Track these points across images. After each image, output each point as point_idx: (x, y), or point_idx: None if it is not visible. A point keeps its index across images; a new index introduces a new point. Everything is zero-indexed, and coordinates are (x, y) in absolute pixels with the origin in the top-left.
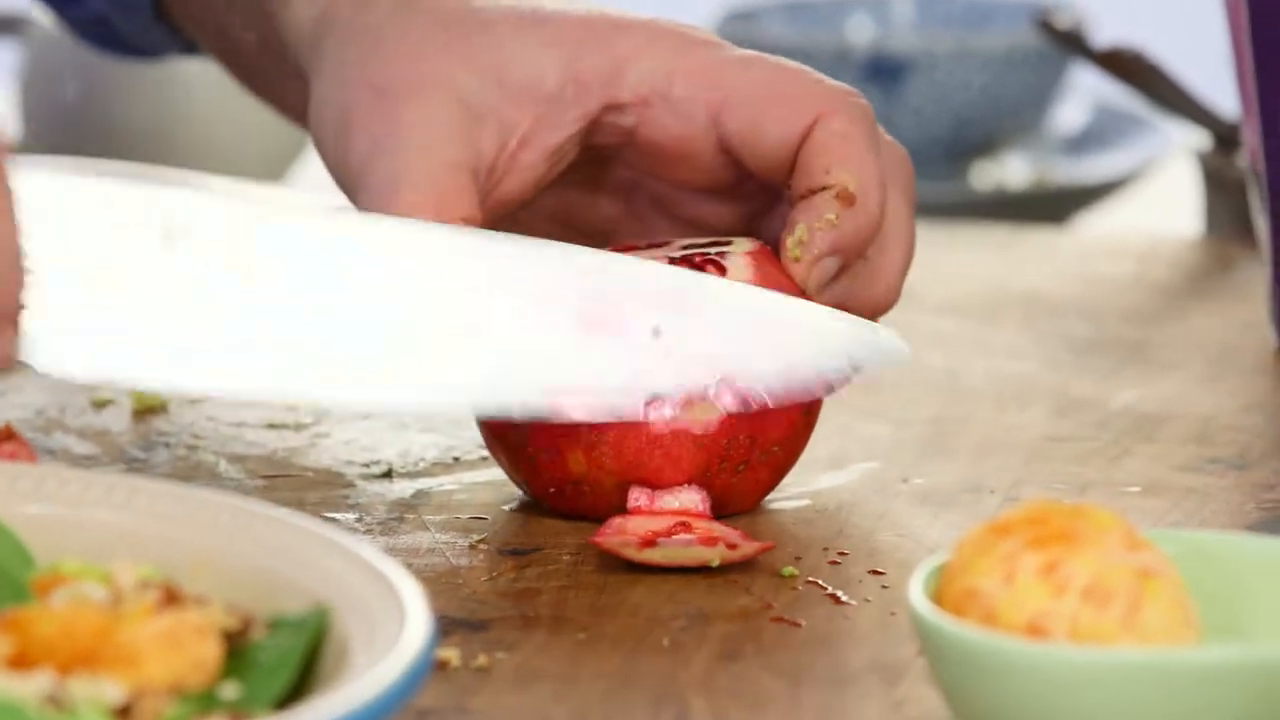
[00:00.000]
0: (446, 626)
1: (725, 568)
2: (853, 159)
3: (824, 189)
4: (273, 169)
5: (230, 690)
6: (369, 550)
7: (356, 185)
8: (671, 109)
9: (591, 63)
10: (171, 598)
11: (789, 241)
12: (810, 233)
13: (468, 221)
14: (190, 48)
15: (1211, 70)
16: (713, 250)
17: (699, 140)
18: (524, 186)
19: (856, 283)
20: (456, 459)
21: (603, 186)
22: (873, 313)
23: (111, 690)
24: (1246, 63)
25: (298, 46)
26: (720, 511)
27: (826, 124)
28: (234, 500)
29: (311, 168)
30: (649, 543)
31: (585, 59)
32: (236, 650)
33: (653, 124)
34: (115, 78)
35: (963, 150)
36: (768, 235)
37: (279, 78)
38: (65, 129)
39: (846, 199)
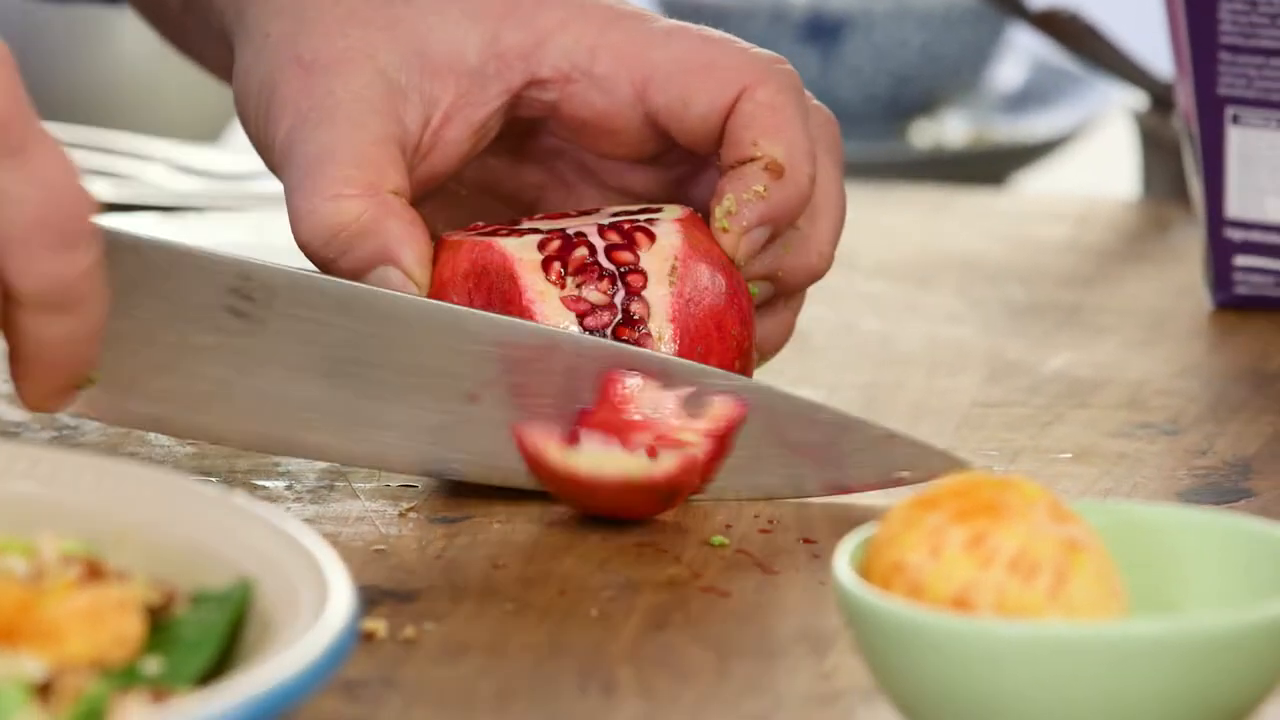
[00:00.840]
0: (375, 597)
1: (654, 536)
2: (781, 130)
3: (752, 160)
4: (208, 129)
5: (152, 665)
6: (292, 523)
7: (283, 159)
8: (595, 85)
9: (513, 38)
10: (94, 572)
11: (717, 213)
12: (739, 204)
13: (398, 194)
14: None
15: (1150, 31)
16: (642, 218)
17: (624, 115)
18: (448, 162)
19: (788, 251)
20: None
21: (527, 156)
22: (806, 280)
23: (32, 666)
24: (1179, 22)
25: (222, 11)
26: None
27: (752, 95)
28: (158, 473)
29: None
30: (573, 440)
31: (506, 34)
32: (159, 625)
33: (575, 100)
34: (51, 37)
35: (902, 109)
36: (696, 200)
37: (201, 38)
38: None
39: (775, 171)
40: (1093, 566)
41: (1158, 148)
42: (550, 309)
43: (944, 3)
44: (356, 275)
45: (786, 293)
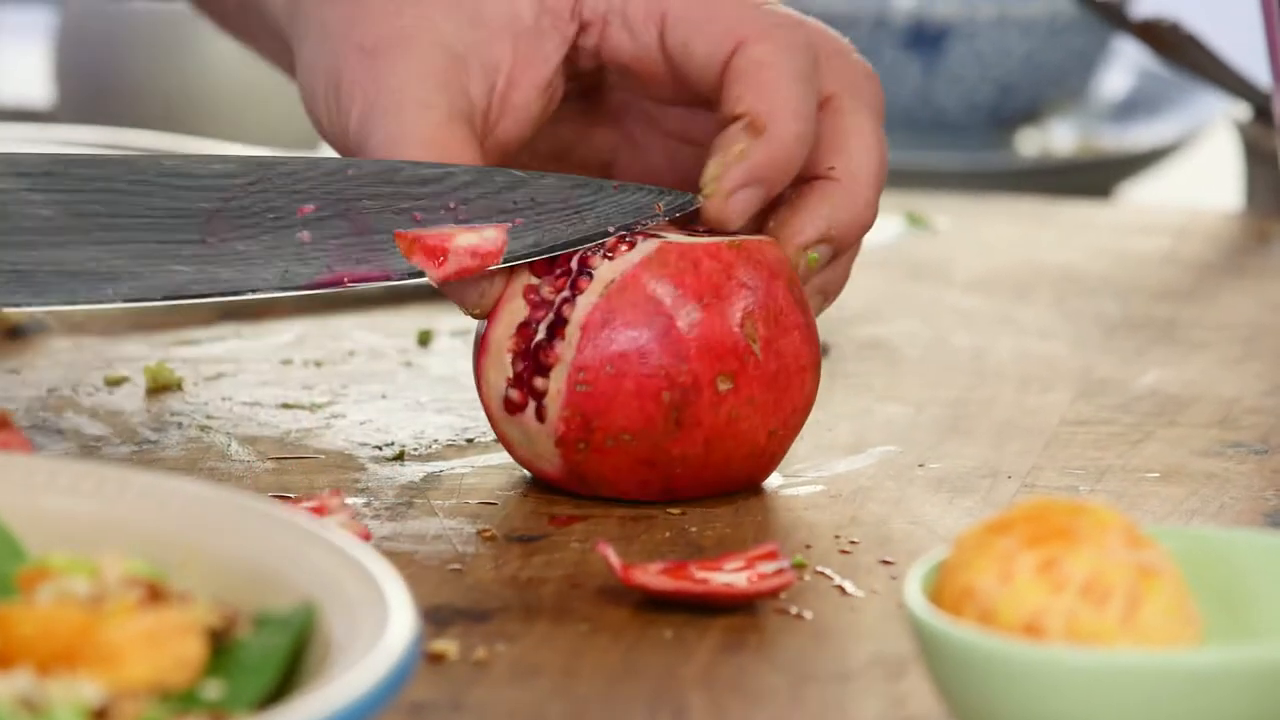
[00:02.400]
0: (448, 617)
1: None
2: (766, 86)
3: (736, 119)
4: (306, 136)
5: (213, 689)
6: (357, 545)
7: (356, 149)
8: (625, 27)
9: None
10: (155, 595)
11: (703, 178)
12: (723, 167)
13: None
14: None
15: (1252, 42)
16: (670, 234)
17: (652, 58)
18: (520, 126)
19: (832, 209)
20: (470, 440)
21: (594, 116)
22: (857, 234)
23: (89, 690)
24: (1276, 34)
25: (276, 8)
26: (588, 491)
27: (745, 51)
28: (224, 493)
29: None
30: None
31: None
32: (221, 648)
33: (611, 43)
34: (148, 44)
35: (1006, 118)
36: None
37: (260, 34)
38: (97, 94)
39: (756, 128)
40: (1166, 592)
41: (1260, 159)
42: (511, 291)
43: (1048, 11)
44: None
45: (841, 249)
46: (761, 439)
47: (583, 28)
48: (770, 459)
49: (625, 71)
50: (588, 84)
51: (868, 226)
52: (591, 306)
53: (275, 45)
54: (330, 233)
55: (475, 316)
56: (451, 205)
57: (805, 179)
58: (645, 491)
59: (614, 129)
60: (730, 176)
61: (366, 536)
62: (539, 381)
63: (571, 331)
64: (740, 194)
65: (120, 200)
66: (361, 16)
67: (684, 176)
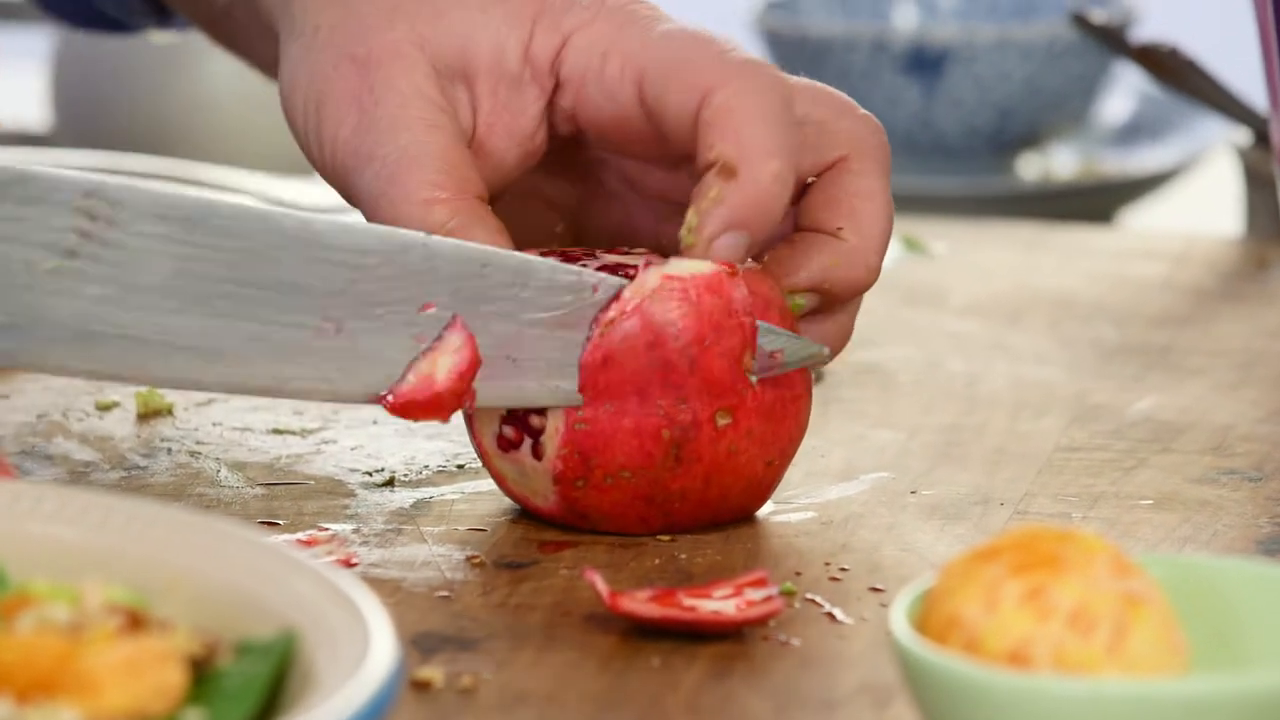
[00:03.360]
0: (435, 644)
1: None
2: (732, 130)
3: (710, 166)
4: (301, 162)
5: (193, 717)
6: (339, 573)
7: (351, 160)
8: (603, 89)
9: (543, 41)
10: (135, 623)
11: (682, 231)
12: (700, 215)
13: (482, 199)
14: (165, 17)
15: (1251, 67)
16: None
17: (632, 118)
18: (494, 174)
19: (832, 266)
20: (460, 467)
21: (567, 164)
22: (852, 292)
23: (67, 718)
24: (1273, 61)
25: (270, 3)
26: (587, 525)
27: (712, 98)
28: (207, 520)
29: None
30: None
31: (539, 37)
32: (202, 676)
33: (588, 106)
34: (145, 68)
35: (1007, 142)
36: None
37: (248, 32)
38: (95, 118)
39: (727, 172)
40: (1153, 621)
41: (1260, 184)
42: None
43: (1048, 35)
44: None
45: (835, 303)
46: (759, 470)
47: (559, 85)
48: (766, 488)
49: (604, 134)
50: (561, 139)
51: (864, 288)
52: (591, 345)
53: (263, 44)
54: (441, 343)
55: None
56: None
57: (811, 230)
58: (645, 526)
59: (584, 180)
60: (708, 223)
61: (350, 564)
62: (535, 419)
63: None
64: (722, 240)
65: (247, 264)
66: (354, 24)
67: (671, 238)
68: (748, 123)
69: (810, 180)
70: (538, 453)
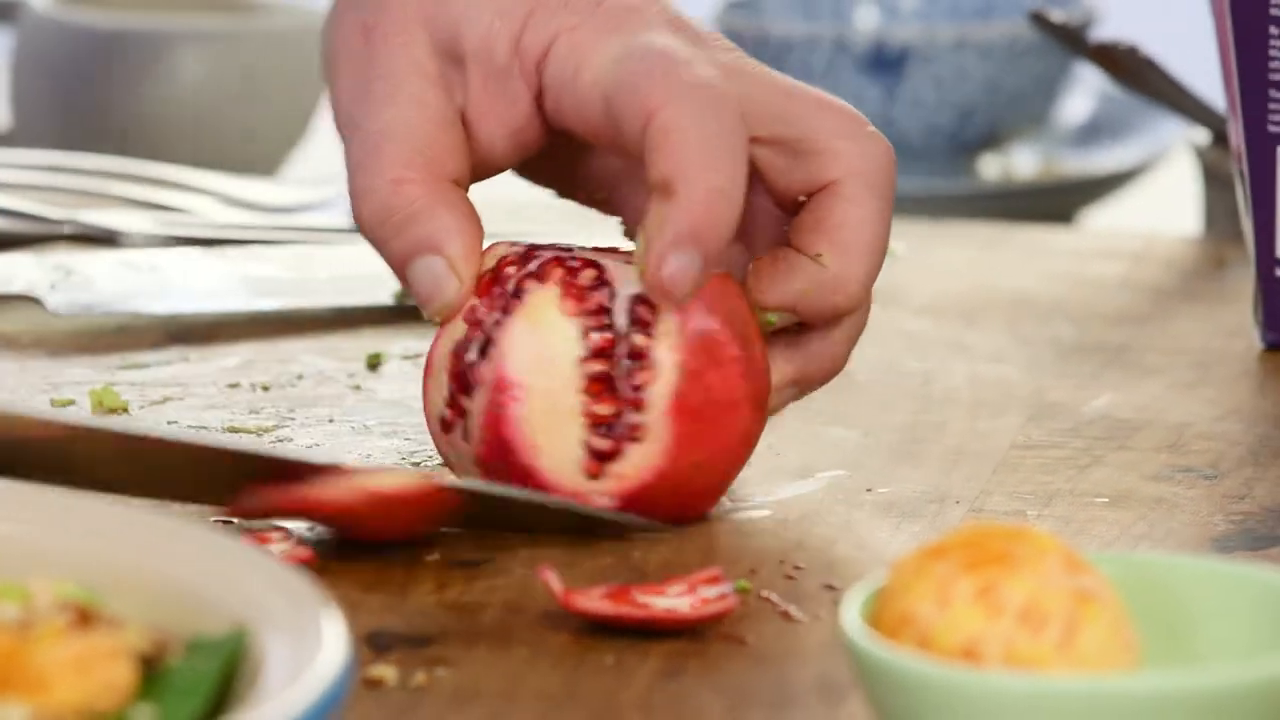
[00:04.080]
0: (388, 642)
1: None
2: (671, 149)
3: (652, 186)
4: (268, 162)
5: (143, 714)
6: (289, 570)
7: (346, 128)
8: (575, 101)
9: (531, 39)
10: (85, 619)
11: (634, 257)
12: (646, 240)
13: (457, 182)
14: None
15: (1209, 66)
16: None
17: (607, 133)
18: (484, 163)
19: (810, 289)
20: (416, 464)
21: (581, 179)
22: (830, 316)
23: (16, 715)
24: (1230, 62)
25: None
26: None
27: (654, 120)
28: (158, 517)
29: (307, 163)
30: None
31: (527, 35)
32: (152, 673)
33: (567, 116)
34: (106, 66)
35: (967, 143)
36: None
37: None
38: (55, 118)
39: (664, 191)
40: (1105, 618)
41: (1219, 184)
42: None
43: (1007, 36)
44: (404, 261)
45: (814, 326)
46: (684, 471)
47: (543, 87)
48: (699, 493)
49: (588, 140)
50: (571, 149)
51: (844, 314)
52: (514, 330)
53: None
54: None
55: (435, 322)
56: None
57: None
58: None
59: (615, 160)
60: (654, 247)
61: (311, 561)
62: (465, 401)
63: (495, 353)
64: (671, 261)
65: None
66: None
67: None
68: (685, 142)
69: (802, 199)
70: (467, 436)
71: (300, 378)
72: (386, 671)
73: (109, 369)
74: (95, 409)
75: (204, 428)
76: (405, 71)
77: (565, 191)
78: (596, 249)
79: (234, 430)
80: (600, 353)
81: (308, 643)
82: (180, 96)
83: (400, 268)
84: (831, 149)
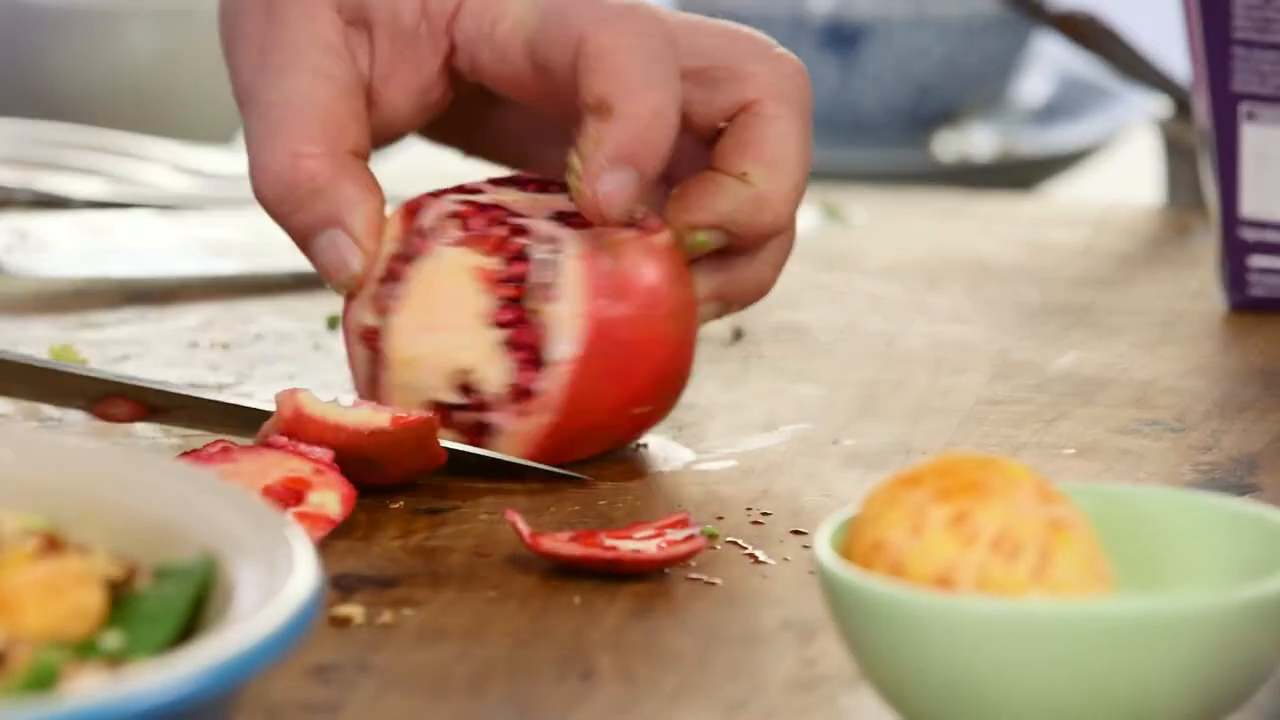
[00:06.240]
0: (354, 584)
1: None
2: (608, 70)
3: (586, 109)
4: (219, 131)
5: (112, 639)
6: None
7: (245, 100)
8: (496, 52)
9: (438, 1)
10: (53, 545)
11: (569, 177)
12: (582, 158)
13: (357, 154)
14: None
15: (1171, 37)
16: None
17: (528, 80)
18: (386, 127)
19: (738, 208)
20: None
21: (489, 136)
22: (762, 235)
23: None
24: (1194, 18)
25: None
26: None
27: (586, 45)
28: (123, 451)
29: None
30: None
31: None
32: (122, 600)
33: (485, 70)
34: (67, 37)
35: (925, 120)
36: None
37: None
38: (14, 87)
39: (601, 110)
40: (1077, 547)
41: (1180, 155)
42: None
43: (964, 13)
44: (308, 235)
45: (746, 246)
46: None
47: (454, 47)
48: (617, 428)
49: (507, 91)
50: (476, 107)
51: (775, 232)
52: (417, 272)
53: None
54: None
55: (340, 293)
56: None
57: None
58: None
59: (523, 111)
60: (590, 165)
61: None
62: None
63: (399, 290)
64: (606, 180)
65: None
66: None
67: None
68: (621, 63)
69: (722, 125)
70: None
71: (260, 337)
72: (353, 610)
73: (68, 327)
74: None
75: (164, 384)
76: (304, 43)
77: (471, 150)
78: (493, 180)
79: (195, 386)
80: (507, 290)
81: (278, 568)
82: (138, 66)
83: (303, 242)
84: (745, 71)
